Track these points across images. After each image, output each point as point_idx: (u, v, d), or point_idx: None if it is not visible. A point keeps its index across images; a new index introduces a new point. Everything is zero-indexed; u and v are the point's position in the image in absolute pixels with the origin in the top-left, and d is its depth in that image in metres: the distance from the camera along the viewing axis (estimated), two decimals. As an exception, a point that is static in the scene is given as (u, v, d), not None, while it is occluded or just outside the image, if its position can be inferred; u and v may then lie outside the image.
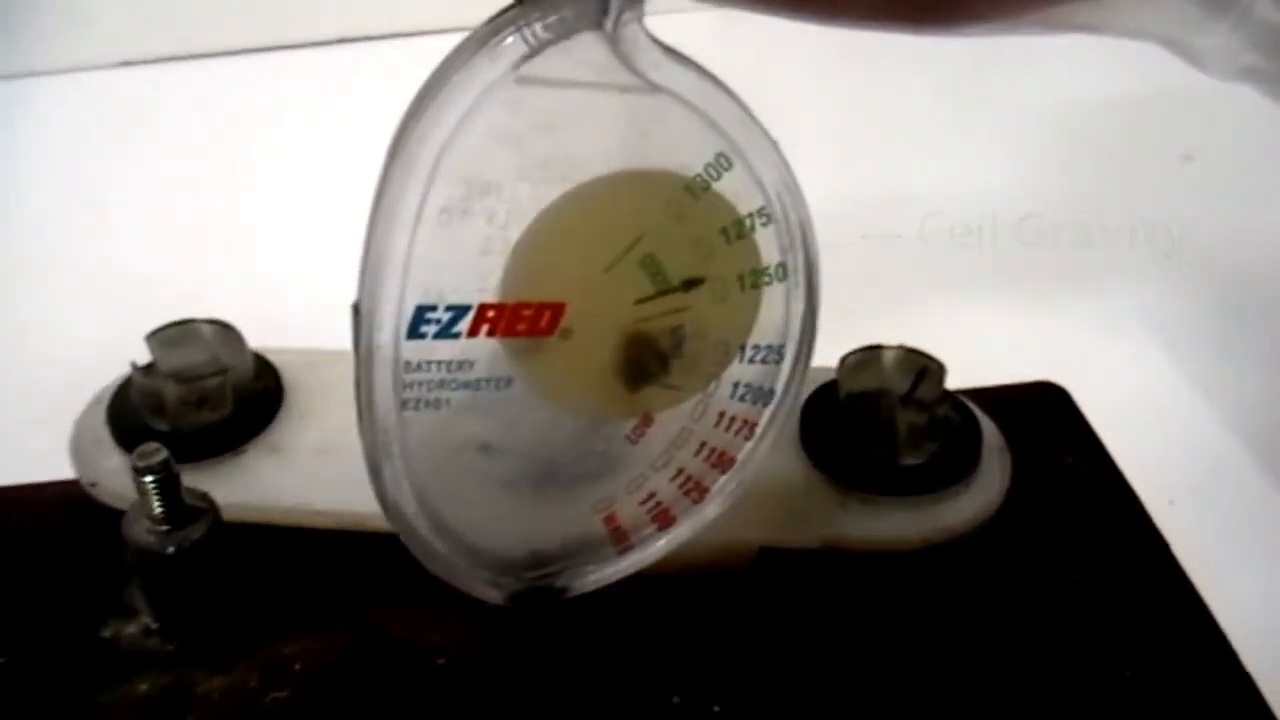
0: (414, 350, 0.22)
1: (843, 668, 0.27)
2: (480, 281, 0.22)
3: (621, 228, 0.22)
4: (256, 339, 0.31)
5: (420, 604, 0.27)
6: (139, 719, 0.25)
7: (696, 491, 0.25)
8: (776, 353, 0.24)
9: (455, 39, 0.21)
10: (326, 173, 0.44)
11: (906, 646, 0.27)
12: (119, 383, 0.31)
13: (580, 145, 0.21)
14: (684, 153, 0.22)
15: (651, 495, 0.25)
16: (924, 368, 0.30)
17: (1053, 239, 0.48)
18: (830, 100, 0.55)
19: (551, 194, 0.22)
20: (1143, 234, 0.48)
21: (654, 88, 0.21)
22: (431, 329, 0.22)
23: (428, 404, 0.22)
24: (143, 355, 0.30)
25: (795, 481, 0.29)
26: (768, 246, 0.23)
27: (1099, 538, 0.30)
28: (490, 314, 0.22)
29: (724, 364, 0.24)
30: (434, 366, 0.22)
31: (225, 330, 0.31)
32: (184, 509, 0.26)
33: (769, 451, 0.25)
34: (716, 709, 0.26)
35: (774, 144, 0.22)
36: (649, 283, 0.23)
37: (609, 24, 0.20)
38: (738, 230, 0.23)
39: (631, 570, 0.26)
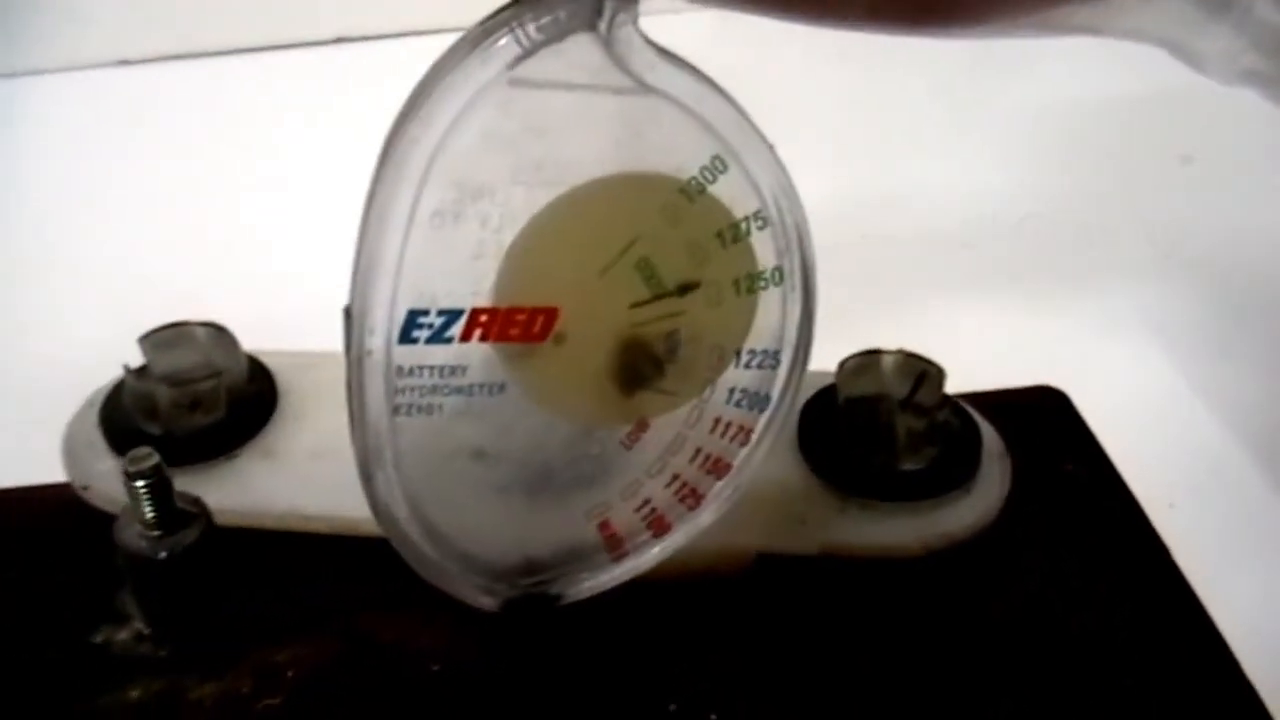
0: (406, 355, 0.22)
1: (841, 674, 0.27)
2: (473, 286, 0.22)
3: (616, 231, 0.22)
4: (250, 341, 0.31)
5: (414, 609, 0.27)
6: (130, 726, 0.25)
7: (692, 498, 0.25)
8: (773, 358, 0.24)
9: (454, 39, 0.21)
10: (324, 173, 0.43)
11: (905, 652, 0.27)
12: (111, 385, 0.30)
13: (574, 148, 0.21)
14: (679, 155, 0.22)
15: (646, 502, 0.25)
16: (923, 372, 0.29)
17: (1052, 239, 0.48)
18: (828, 101, 0.55)
19: (545, 197, 0.21)
20: (1142, 235, 0.48)
21: (648, 90, 0.21)
22: (424, 334, 0.22)
23: (420, 409, 0.22)
24: (136, 357, 0.29)
25: (793, 487, 0.29)
26: (764, 250, 0.23)
27: (1098, 542, 0.30)
28: (483, 319, 0.22)
29: (720, 369, 0.24)
30: (426, 372, 0.22)
31: (218, 332, 0.30)
32: (176, 514, 0.26)
33: (765, 457, 0.25)
34: (713, 717, 0.26)
35: (770, 147, 0.22)
36: (644, 287, 0.23)
37: (603, 25, 0.20)
38: (733, 234, 0.23)
39: (627, 577, 0.26)
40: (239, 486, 0.29)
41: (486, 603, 0.25)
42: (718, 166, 0.22)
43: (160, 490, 0.25)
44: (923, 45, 0.23)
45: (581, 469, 0.24)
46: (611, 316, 0.23)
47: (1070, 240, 0.48)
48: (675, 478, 0.25)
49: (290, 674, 0.26)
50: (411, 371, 0.22)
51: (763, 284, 0.23)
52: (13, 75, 0.58)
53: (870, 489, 0.29)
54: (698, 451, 0.25)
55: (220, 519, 0.27)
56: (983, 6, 0.21)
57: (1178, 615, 0.28)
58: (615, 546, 0.25)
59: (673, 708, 0.26)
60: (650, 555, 0.26)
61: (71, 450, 0.29)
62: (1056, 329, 0.43)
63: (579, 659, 0.27)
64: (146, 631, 0.27)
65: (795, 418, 0.30)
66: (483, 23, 0.20)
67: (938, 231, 0.48)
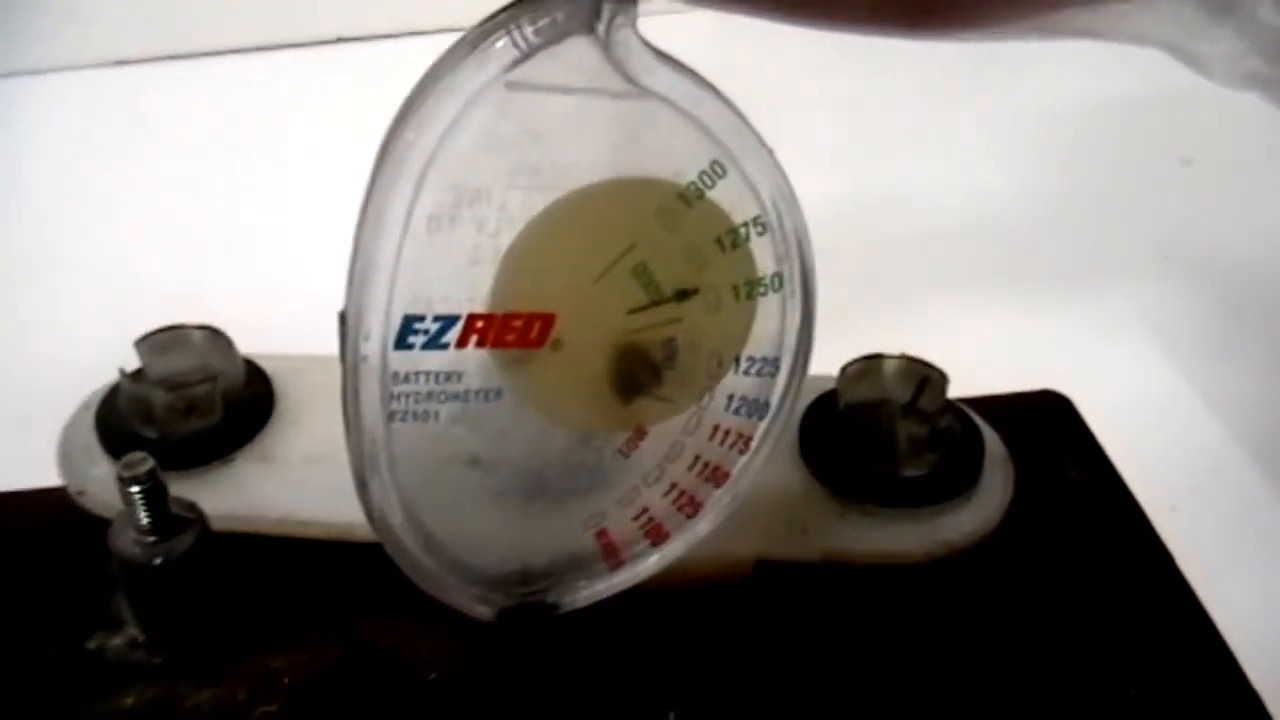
0: (402, 361, 0.22)
1: (842, 681, 0.27)
2: (469, 291, 0.21)
3: (613, 236, 0.22)
4: (247, 344, 0.31)
5: (412, 616, 0.26)
6: (125, 733, 0.25)
7: (690, 506, 0.25)
8: (772, 365, 0.24)
9: (455, 39, 0.21)
10: (323, 174, 0.43)
11: (907, 658, 0.27)
12: (107, 389, 0.30)
13: (571, 152, 0.21)
14: (677, 160, 0.22)
15: (644, 510, 0.25)
16: (925, 377, 0.29)
17: (1053, 240, 0.48)
18: (828, 102, 0.55)
19: (542, 201, 0.21)
20: (1142, 235, 0.48)
21: (646, 93, 0.21)
22: (419, 339, 0.21)
23: (416, 416, 0.22)
24: (131, 360, 0.29)
25: (794, 493, 0.29)
26: (763, 256, 0.23)
27: (1100, 545, 0.30)
28: (479, 324, 0.22)
29: (718, 376, 0.24)
30: (422, 378, 0.22)
31: (215, 336, 0.30)
32: (171, 519, 0.26)
33: (765, 465, 0.25)
34: (712, 724, 0.26)
35: (769, 151, 0.22)
36: (641, 293, 0.22)
37: (601, 28, 0.20)
38: (732, 239, 0.23)
39: (624, 586, 0.26)
40: (235, 491, 0.29)
41: (482, 611, 0.25)
42: (716, 171, 0.22)
43: (155, 496, 0.25)
44: (923, 47, 0.23)
45: (578, 477, 0.24)
46: (609, 322, 0.23)
47: (1070, 240, 0.48)
48: (673, 486, 0.25)
49: (287, 681, 0.26)
50: (407, 377, 0.22)
51: (762, 290, 0.23)
52: (10, 75, 0.58)
53: (871, 495, 0.29)
54: (696, 459, 0.25)
55: (216, 524, 0.26)
56: (982, 10, 0.21)
57: (1179, 618, 0.28)
58: (613, 555, 0.25)
59: (672, 716, 0.26)
60: (648, 564, 0.26)
61: (66, 454, 0.29)
62: (1056, 330, 0.43)
63: (578, 667, 0.27)
64: (141, 638, 0.27)
65: (796, 423, 0.30)
66: (480, 25, 0.20)
67: (938, 232, 0.47)
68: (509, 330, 0.22)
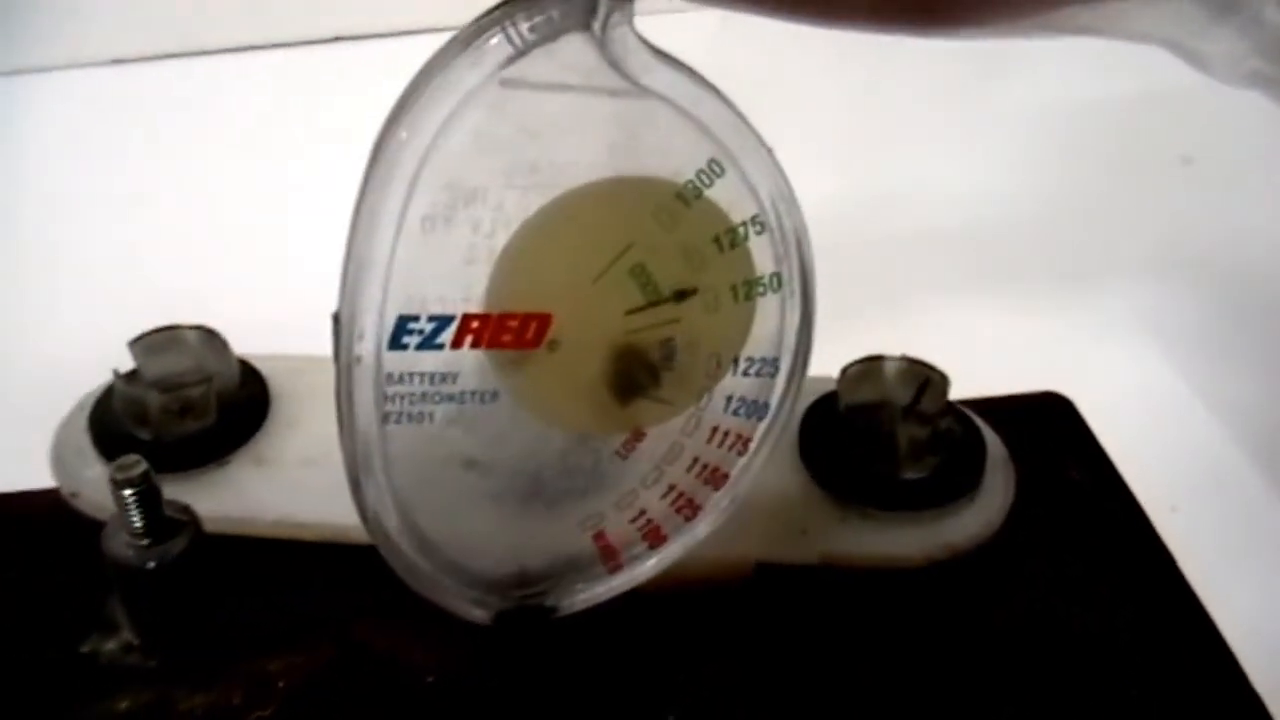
0: (396, 361, 0.21)
1: (842, 684, 0.27)
2: (464, 291, 0.21)
3: (610, 236, 0.22)
4: (242, 345, 0.31)
5: (408, 619, 0.26)
6: (119, 738, 0.25)
7: (688, 509, 0.25)
8: (771, 365, 0.24)
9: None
10: (321, 174, 0.43)
11: (907, 661, 0.27)
12: (101, 390, 0.30)
13: (568, 150, 0.21)
14: (675, 159, 0.21)
15: (642, 512, 0.25)
16: (926, 379, 0.29)
17: (1053, 239, 0.48)
18: (828, 101, 0.55)
19: (538, 201, 0.21)
20: (1142, 235, 0.48)
21: (644, 92, 0.21)
22: (414, 340, 0.21)
23: (411, 417, 0.22)
24: (126, 361, 0.29)
25: (793, 495, 0.29)
26: (762, 256, 0.23)
27: (1101, 547, 0.30)
28: (475, 325, 0.21)
29: (717, 377, 0.24)
30: (417, 379, 0.22)
31: (210, 336, 0.30)
32: (165, 522, 0.25)
33: (764, 466, 0.25)
34: (711, 728, 0.26)
35: (768, 150, 0.22)
36: (639, 293, 0.22)
37: (597, 25, 0.20)
38: (731, 239, 0.22)
39: (622, 589, 0.25)
40: (230, 494, 0.28)
41: (478, 615, 0.25)
42: (715, 170, 0.22)
43: (148, 498, 0.25)
44: (923, 45, 0.23)
45: (576, 478, 0.24)
46: (606, 323, 0.22)
47: (1070, 240, 0.48)
48: (672, 488, 0.25)
49: (282, 684, 0.26)
50: (401, 378, 0.22)
51: (761, 290, 0.23)
52: (8, 74, 0.58)
53: (872, 498, 0.28)
54: (695, 461, 0.24)
55: (210, 527, 0.26)
56: (984, 7, 0.21)
57: (1181, 620, 0.28)
58: (610, 558, 0.25)
59: (671, 719, 0.26)
60: (647, 567, 0.25)
61: (60, 456, 0.29)
62: (1056, 329, 0.43)
63: (575, 670, 0.26)
64: (135, 641, 0.27)
65: (795, 424, 0.29)
66: (474, 22, 0.20)
67: (938, 232, 0.47)
68: (505, 331, 0.22)
